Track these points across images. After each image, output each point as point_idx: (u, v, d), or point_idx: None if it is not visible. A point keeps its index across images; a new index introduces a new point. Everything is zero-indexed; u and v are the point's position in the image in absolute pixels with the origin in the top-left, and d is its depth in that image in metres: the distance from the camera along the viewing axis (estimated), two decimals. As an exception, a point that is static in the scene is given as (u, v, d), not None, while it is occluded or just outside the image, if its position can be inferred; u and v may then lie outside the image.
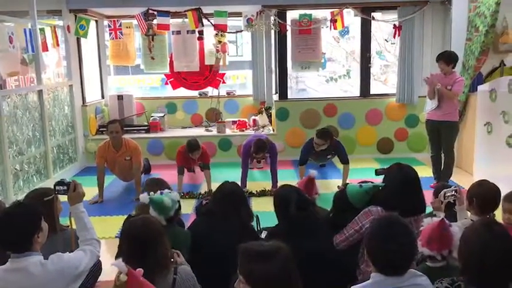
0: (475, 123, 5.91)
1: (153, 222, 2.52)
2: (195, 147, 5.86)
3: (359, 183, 3.33)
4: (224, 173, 6.57)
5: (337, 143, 5.99)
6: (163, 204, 2.98)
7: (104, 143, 5.89)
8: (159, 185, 3.33)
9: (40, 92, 6.12)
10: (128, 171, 5.98)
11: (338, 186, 4.35)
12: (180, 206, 3.15)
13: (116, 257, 3.25)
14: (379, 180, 3.25)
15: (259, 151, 5.85)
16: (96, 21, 7.92)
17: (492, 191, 2.98)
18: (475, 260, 1.98)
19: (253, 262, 1.85)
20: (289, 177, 6.20)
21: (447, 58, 5.54)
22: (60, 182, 2.67)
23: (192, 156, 5.91)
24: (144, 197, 3.01)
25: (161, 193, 3.04)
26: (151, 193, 3.02)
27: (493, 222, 2.16)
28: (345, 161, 5.95)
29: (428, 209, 3.14)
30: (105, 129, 5.90)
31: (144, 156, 7.24)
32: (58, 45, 6.67)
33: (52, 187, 2.72)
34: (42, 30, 6.12)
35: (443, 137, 5.73)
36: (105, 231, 3.98)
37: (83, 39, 7.37)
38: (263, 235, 3.57)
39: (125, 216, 3.62)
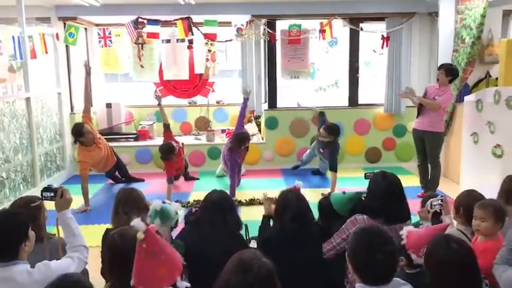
0: (462, 133, 5.97)
1: (131, 235, 2.46)
2: (169, 151, 5.88)
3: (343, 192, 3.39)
4: (213, 182, 6.56)
5: (336, 144, 6.11)
6: (170, 215, 2.98)
7: (82, 152, 5.91)
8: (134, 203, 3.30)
9: (28, 100, 6.08)
10: (108, 156, 6.37)
11: (322, 194, 4.39)
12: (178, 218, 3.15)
13: (102, 270, 3.21)
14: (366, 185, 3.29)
15: (248, 138, 6.28)
16: (86, 29, 7.90)
17: (479, 200, 3.01)
18: (439, 272, 2.07)
19: (232, 272, 1.85)
20: (277, 186, 6.17)
21: (448, 69, 5.61)
22: (47, 188, 2.63)
23: (171, 160, 5.94)
24: (157, 204, 2.98)
25: (163, 202, 3.03)
26: (163, 201, 3.02)
27: (451, 238, 2.20)
28: (332, 167, 6.00)
29: (415, 218, 3.17)
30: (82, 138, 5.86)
31: (132, 164, 7.25)
32: (47, 52, 6.64)
33: (39, 194, 2.69)
34: (30, 37, 6.09)
35: (427, 147, 5.79)
36: (93, 239, 3.95)
37: (71, 47, 7.35)
38: (252, 244, 3.56)
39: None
